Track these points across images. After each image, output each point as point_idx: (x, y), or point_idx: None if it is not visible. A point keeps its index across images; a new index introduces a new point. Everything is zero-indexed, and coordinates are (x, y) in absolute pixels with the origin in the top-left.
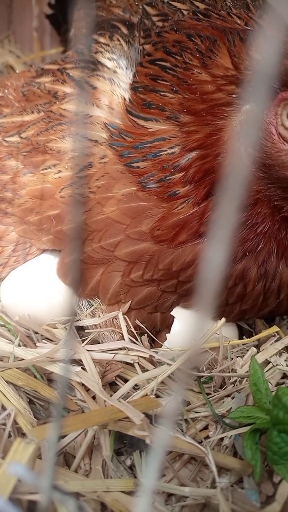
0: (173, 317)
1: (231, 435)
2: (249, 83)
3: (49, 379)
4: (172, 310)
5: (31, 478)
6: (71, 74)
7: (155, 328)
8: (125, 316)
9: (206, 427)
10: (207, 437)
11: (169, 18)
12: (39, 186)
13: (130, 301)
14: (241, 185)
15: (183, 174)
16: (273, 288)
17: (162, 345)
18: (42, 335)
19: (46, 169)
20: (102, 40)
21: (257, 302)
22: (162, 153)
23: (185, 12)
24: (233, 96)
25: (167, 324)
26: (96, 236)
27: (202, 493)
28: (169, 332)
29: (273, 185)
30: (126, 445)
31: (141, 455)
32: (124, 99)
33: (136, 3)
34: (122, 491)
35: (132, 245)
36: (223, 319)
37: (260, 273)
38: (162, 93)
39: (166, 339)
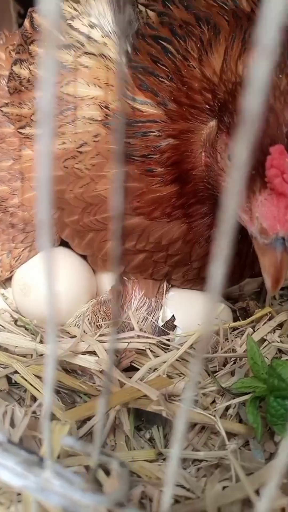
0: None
1: (235, 404)
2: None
3: (68, 370)
4: (165, 279)
5: (81, 447)
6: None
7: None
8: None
9: (213, 401)
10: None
11: None
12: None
13: (124, 266)
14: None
15: (159, 155)
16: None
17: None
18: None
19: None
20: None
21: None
22: (151, 134)
23: None
24: (207, 105)
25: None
26: (92, 210)
27: (215, 455)
28: None
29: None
30: (144, 421)
31: (158, 429)
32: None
33: None
34: (145, 460)
35: (125, 220)
36: (222, 305)
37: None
38: (160, 79)
39: None
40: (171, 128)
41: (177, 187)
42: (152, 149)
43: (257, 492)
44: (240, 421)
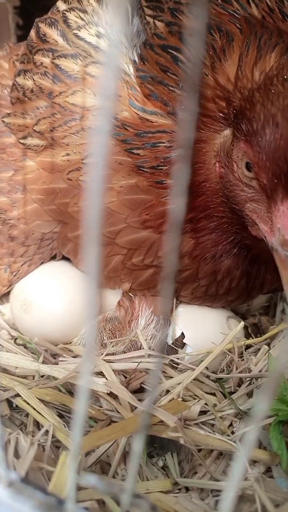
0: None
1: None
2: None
3: (73, 392)
4: (174, 296)
5: (106, 487)
6: (61, 67)
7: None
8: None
9: (230, 424)
10: (233, 432)
11: None
12: (49, 159)
13: (131, 282)
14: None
15: (169, 167)
16: (256, 284)
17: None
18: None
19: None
20: (75, 4)
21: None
22: (161, 144)
23: None
24: (221, 113)
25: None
26: None
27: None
28: None
29: (233, 212)
30: (157, 448)
31: (172, 456)
32: (127, 87)
33: None
34: (161, 491)
35: (133, 234)
36: (242, 323)
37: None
38: (170, 88)
39: None
40: (182, 138)
41: (187, 200)
42: (162, 160)
43: None
44: (260, 445)
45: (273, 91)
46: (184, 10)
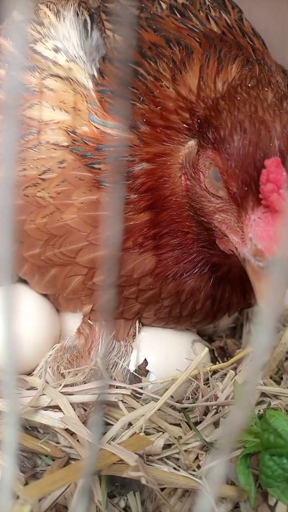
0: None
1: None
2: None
3: (28, 428)
4: (137, 317)
5: None
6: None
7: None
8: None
9: (196, 457)
10: (198, 466)
11: (143, 7)
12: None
13: (92, 304)
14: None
15: (132, 181)
16: (222, 306)
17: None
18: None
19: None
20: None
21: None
22: (123, 158)
23: (163, 6)
24: (184, 125)
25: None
26: (57, 242)
27: None
28: None
29: (200, 226)
30: (118, 487)
31: (135, 495)
32: (87, 102)
33: None
34: None
35: (95, 252)
36: (206, 349)
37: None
38: (130, 102)
39: None
40: (144, 152)
41: (151, 215)
42: (125, 174)
43: None
44: (227, 480)
45: (238, 98)
46: (143, 24)
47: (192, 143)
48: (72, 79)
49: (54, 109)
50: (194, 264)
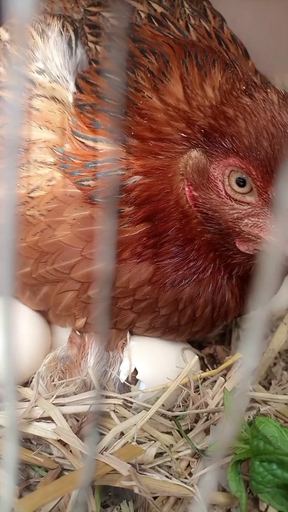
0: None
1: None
2: (200, 128)
3: (21, 439)
4: (130, 327)
5: None
6: (5, 98)
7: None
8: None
9: (188, 465)
10: (190, 474)
11: (124, 17)
12: None
13: (86, 317)
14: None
15: (125, 195)
16: (221, 313)
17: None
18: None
19: None
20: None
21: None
22: (112, 173)
23: (142, 15)
24: (182, 134)
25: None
26: (49, 259)
27: None
28: None
29: (214, 232)
30: (111, 496)
31: (128, 504)
32: (69, 119)
33: (72, 6)
34: None
35: (89, 266)
36: (196, 357)
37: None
38: (111, 114)
39: None
40: (138, 165)
41: (149, 226)
42: (118, 189)
43: None
44: (219, 487)
45: (248, 103)
46: (122, 33)
47: (195, 153)
48: (57, 99)
49: (41, 128)
50: (195, 269)
